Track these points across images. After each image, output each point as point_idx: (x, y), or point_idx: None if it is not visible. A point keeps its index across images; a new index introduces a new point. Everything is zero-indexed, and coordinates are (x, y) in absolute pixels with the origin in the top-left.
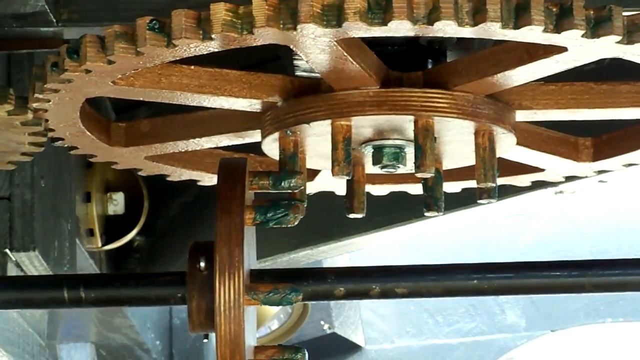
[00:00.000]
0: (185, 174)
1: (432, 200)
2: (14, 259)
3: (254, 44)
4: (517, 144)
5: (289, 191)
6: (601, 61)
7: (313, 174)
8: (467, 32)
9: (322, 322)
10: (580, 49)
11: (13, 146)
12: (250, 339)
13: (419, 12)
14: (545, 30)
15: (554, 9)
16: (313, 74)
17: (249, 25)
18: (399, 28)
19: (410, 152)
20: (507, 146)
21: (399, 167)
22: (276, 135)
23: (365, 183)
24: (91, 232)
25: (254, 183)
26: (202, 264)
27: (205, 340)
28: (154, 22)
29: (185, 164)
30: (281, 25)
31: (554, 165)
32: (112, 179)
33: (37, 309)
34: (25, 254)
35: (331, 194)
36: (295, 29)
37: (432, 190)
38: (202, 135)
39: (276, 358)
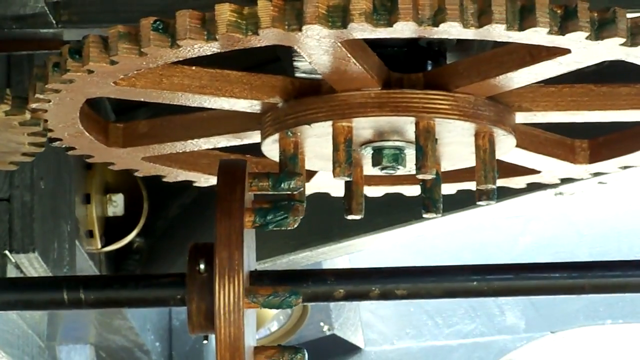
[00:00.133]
0: (182, 175)
1: (431, 201)
2: (13, 260)
3: (258, 45)
4: (515, 145)
5: (289, 192)
6: (601, 63)
7: (309, 175)
8: (472, 33)
9: (321, 324)
10: (583, 51)
11: (13, 146)
12: (250, 342)
13: (424, 14)
14: (550, 32)
15: (559, 11)
16: (313, 75)
17: (254, 26)
18: (404, 29)
19: (409, 153)
20: (507, 148)
21: (398, 168)
22: (276, 136)
23: (364, 185)
24: (91, 234)
25: (253, 185)
26: (202, 266)
27: (205, 342)
28: (158, 22)
29: (182, 164)
30: (286, 26)
31: (550, 167)
32: (112, 181)
33: (36, 311)
34: (24, 255)
35: (331, 195)
36: (300, 30)
37: (431, 191)
38: (201, 136)
39: (276, 358)
